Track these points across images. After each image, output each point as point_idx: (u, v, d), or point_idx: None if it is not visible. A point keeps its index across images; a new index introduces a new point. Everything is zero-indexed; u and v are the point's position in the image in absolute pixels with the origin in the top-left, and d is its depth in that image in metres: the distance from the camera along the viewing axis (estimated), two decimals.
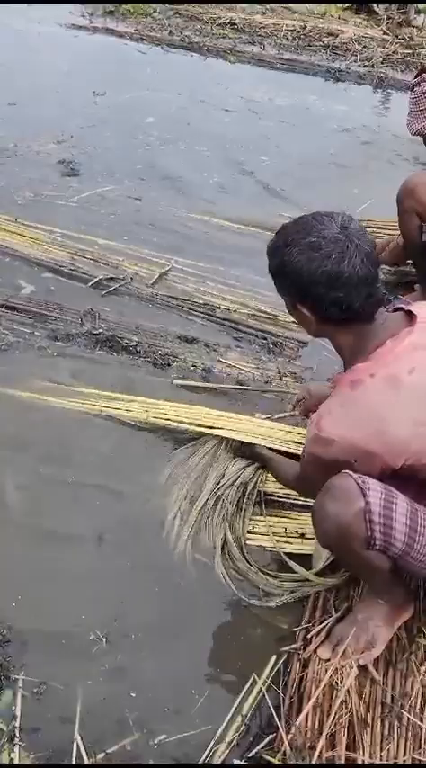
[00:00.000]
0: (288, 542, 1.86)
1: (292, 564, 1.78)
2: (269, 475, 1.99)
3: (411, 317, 1.43)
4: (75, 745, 1.38)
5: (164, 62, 6.24)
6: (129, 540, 1.83)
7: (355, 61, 6.93)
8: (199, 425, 2.07)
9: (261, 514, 1.93)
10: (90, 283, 2.75)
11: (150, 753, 1.40)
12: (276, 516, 1.93)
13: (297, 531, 1.88)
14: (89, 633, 1.60)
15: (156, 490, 1.96)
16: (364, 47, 7.41)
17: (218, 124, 4.74)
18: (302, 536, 1.87)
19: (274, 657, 1.57)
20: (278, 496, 1.97)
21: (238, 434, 2.03)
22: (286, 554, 1.82)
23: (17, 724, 1.41)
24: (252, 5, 8.58)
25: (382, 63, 6.98)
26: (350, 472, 1.36)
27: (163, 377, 2.34)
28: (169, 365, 2.37)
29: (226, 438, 2.05)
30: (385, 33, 8.09)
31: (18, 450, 2.04)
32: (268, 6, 8.73)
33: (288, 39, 7.42)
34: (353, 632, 1.56)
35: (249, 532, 1.89)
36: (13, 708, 1.43)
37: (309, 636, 1.61)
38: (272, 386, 2.36)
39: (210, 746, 1.41)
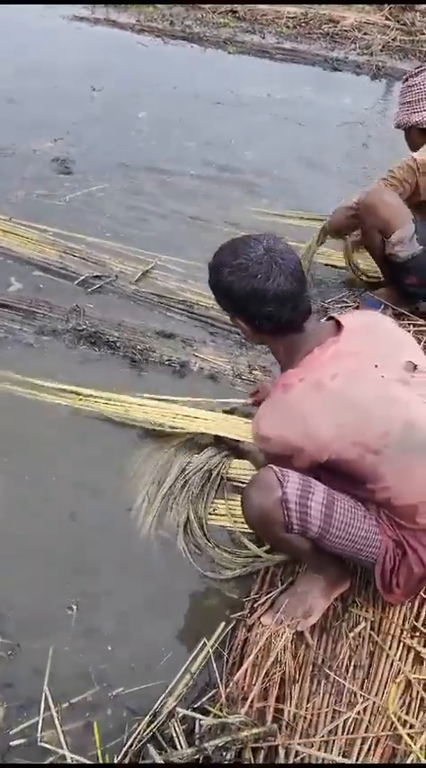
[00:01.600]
0: (244, 523, 2.05)
1: (246, 542, 1.98)
2: (232, 462, 2.19)
3: (339, 326, 1.61)
4: (43, 696, 1.60)
5: (163, 54, 6.34)
6: (99, 518, 2.04)
7: (354, 50, 6.99)
8: (174, 426, 2.27)
9: (222, 498, 2.13)
10: (77, 281, 2.94)
11: (108, 702, 1.62)
12: (236, 500, 2.13)
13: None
14: (60, 601, 1.81)
15: (127, 475, 2.16)
16: (364, 34, 7.45)
17: (210, 119, 4.87)
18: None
19: (223, 624, 1.78)
20: (239, 481, 2.16)
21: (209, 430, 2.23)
22: (242, 533, 2.02)
23: None
24: None
25: (381, 51, 7.04)
26: (273, 466, 1.55)
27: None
28: (146, 360, 2.56)
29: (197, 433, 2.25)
30: (387, 19, 8.11)
31: None
32: None
33: (288, 27, 7.47)
34: (293, 602, 1.76)
35: (210, 514, 2.09)
36: None
37: (255, 605, 1.82)
38: (242, 379, 2.55)
39: (161, 699, 1.62)
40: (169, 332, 2.74)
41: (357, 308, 2.98)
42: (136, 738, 1.53)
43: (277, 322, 1.53)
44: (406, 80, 2.75)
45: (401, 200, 2.63)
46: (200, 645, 1.73)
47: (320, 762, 1.47)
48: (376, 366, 1.54)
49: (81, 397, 2.38)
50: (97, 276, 2.99)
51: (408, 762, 1.47)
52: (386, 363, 1.55)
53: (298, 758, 1.47)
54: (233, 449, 2.21)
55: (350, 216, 2.76)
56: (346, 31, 7.42)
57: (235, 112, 5.06)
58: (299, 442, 1.52)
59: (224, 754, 1.41)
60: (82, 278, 2.96)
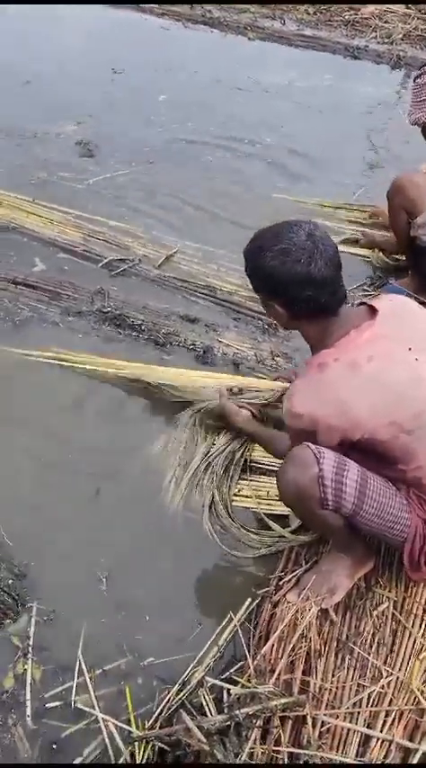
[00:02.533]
0: (269, 504, 2.11)
1: (270, 523, 2.02)
2: (255, 444, 2.23)
3: (373, 311, 1.64)
4: (77, 662, 1.66)
5: (184, 39, 6.32)
6: (130, 497, 2.09)
7: (375, 38, 6.95)
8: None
9: (246, 479, 2.17)
10: (101, 264, 2.98)
11: (139, 672, 1.68)
12: (260, 481, 2.18)
13: (277, 495, 2.12)
14: (94, 573, 1.87)
15: (154, 452, 2.21)
16: (385, 22, 7.40)
17: (231, 104, 4.87)
18: (281, 499, 2.11)
19: (249, 600, 1.83)
20: (262, 464, 2.21)
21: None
22: (266, 514, 2.07)
23: (30, 643, 1.70)
24: None
25: (402, 40, 7.00)
26: (309, 444, 1.59)
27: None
28: (170, 344, 2.60)
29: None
30: (408, 7, 8.05)
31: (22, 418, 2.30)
32: None
33: (309, 13, 7.42)
34: (318, 580, 1.81)
35: (235, 495, 2.14)
36: (28, 629, 1.72)
37: (281, 583, 1.87)
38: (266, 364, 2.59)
39: (190, 668, 1.68)
40: (193, 316, 2.78)
41: (377, 297, 3.00)
42: (166, 705, 1.59)
43: (316, 306, 1.56)
44: (415, 79, 2.78)
45: None
46: (227, 619, 1.78)
47: (345, 733, 1.52)
48: (409, 349, 1.57)
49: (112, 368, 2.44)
50: (121, 259, 3.02)
51: None
52: (418, 346, 1.59)
53: (325, 728, 1.53)
54: (240, 429, 2.20)
55: None
56: (366, 18, 7.36)
57: (255, 98, 5.06)
58: (333, 420, 1.56)
59: (253, 721, 1.46)
60: (106, 260, 3.00)
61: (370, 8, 7.67)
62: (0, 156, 3.76)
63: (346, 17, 7.38)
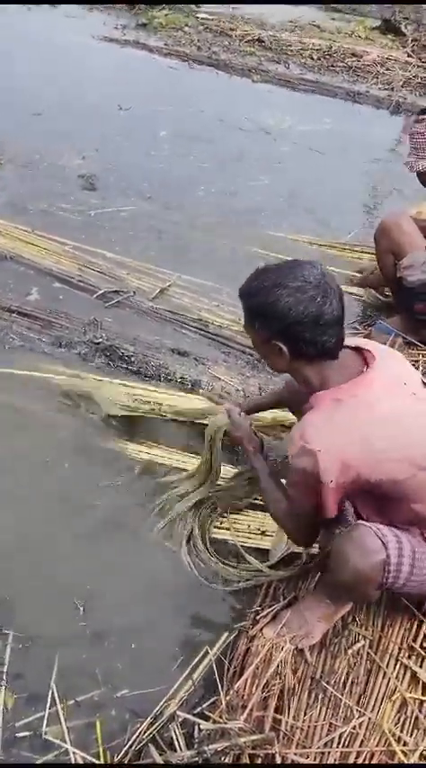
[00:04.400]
0: (249, 537, 2.12)
1: (249, 558, 2.03)
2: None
3: (360, 352, 1.63)
4: (50, 691, 1.66)
5: (190, 79, 6.50)
6: (109, 527, 2.10)
7: (375, 84, 7.15)
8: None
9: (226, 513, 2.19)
10: (95, 295, 3.03)
11: (112, 703, 1.67)
12: (242, 515, 2.19)
13: (258, 529, 2.14)
14: (71, 603, 1.87)
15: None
16: (386, 69, 7.62)
17: (231, 144, 5.00)
18: (263, 533, 2.13)
19: (226, 633, 1.83)
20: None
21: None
22: (248, 547, 2.07)
23: (5, 669, 1.70)
24: (281, 23, 8.85)
25: (402, 87, 7.20)
26: (368, 524, 1.55)
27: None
28: (159, 377, 2.63)
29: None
30: (409, 56, 8.30)
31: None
32: (297, 24, 8.99)
33: (313, 58, 7.65)
34: (296, 620, 1.81)
35: (215, 527, 2.15)
36: (3, 656, 1.71)
37: (258, 617, 1.87)
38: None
39: (162, 702, 1.67)
40: (183, 350, 2.82)
41: (368, 335, 3.05)
42: (136, 739, 1.58)
43: (322, 348, 1.51)
44: (412, 126, 2.87)
45: (417, 228, 2.73)
46: (203, 652, 1.78)
47: None
48: (405, 384, 1.57)
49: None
50: (115, 291, 3.07)
51: None
52: (410, 382, 1.59)
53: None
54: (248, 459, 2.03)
55: None
56: (368, 65, 7.59)
57: (255, 139, 5.19)
58: (353, 456, 1.47)
59: (222, 758, 1.46)
60: (100, 292, 3.05)
61: (372, 55, 7.91)
62: (4, 186, 3.85)
63: (348, 63, 7.61)
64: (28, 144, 4.38)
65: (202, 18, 8.55)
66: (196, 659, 1.77)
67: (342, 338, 1.55)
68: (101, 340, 2.76)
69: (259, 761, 1.51)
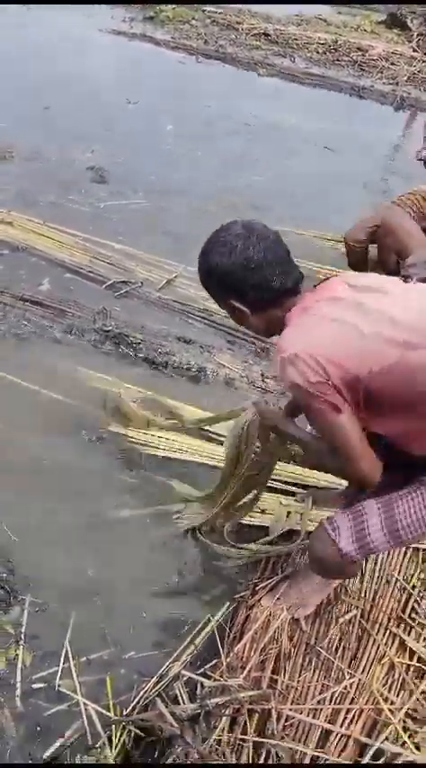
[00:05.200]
0: (251, 516, 2.24)
1: (250, 545, 2.16)
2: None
3: None
4: (64, 650, 1.79)
5: (197, 73, 6.59)
6: (123, 506, 2.23)
7: (380, 79, 7.22)
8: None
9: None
10: (105, 285, 3.15)
11: (121, 663, 1.80)
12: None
13: (259, 507, 2.26)
14: (85, 572, 2.00)
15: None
16: (391, 64, 7.69)
17: (237, 138, 5.10)
18: (263, 511, 2.25)
19: (227, 602, 1.96)
20: None
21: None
22: (250, 525, 2.20)
23: (23, 630, 1.82)
24: (288, 16, 8.91)
25: (407, 82, 7.27)
26: (324, 520, 1.63)
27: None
28: (166, 363, 2.75)
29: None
30: (414, 50, 8.35)
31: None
32: (303, 18, 9.05)
33: (318, 52, 7.72)
34: (292, 591, 1.94)
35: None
36: (20, 619, 1.85)
37: (257, 588, 2.00)
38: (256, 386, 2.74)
39: (168, 663, 1.80)
40: (189, 338, 2.93)
41: None
42: (143, 695, 1.71)
43: (268, 290, 1.52)
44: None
45: (419, 227, 2.82)
46: (205, 620, 1.91)
47: (308, 727, 1.65)
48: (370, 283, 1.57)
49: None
50: (124, 281, 3.19)
51: (386, 733, 1.64)
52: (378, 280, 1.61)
53: (289, 722, 1.65)
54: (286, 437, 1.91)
55: (369, 232, 2.94)
56: (373, 60, 7.66)
57: (261, 133, 5.28)
58: (333, 352, 1.42)
59: (222, 710, 1.59)
60: (110, 282, 3.17)
61: (378, 50, 7.98)
62: (16, 179, 3.96)
63: (354, 57, 7.69)
64: (38, 137, 4.49)
65: (209, 11, 8.62)
66: (199, 626, 1.90)
67: (295, 277, 1.55)
68: (110, 328, 2.87)
69: (256, 716, 1.64)
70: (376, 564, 2.09)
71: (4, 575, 1.95)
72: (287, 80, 6.75)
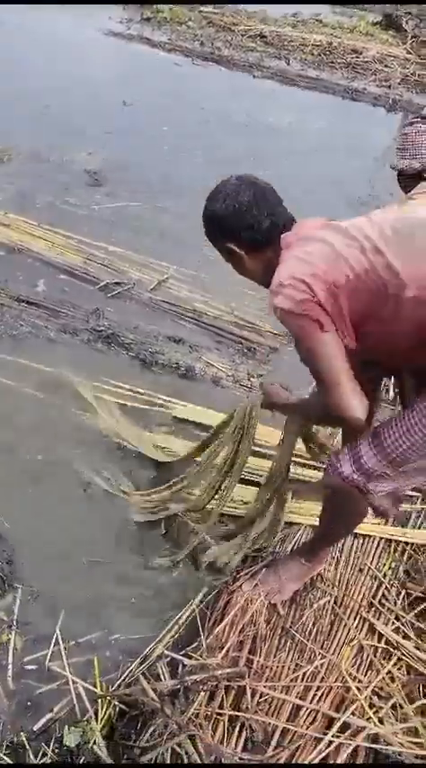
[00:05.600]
0: (236, 508, 2.36)
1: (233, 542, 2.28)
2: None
3: None
4: (55, 635, 1.91)
5: (193, 75, 6.69)
6: (103, 500, 2.35)
7: (373, 81, 7.32)
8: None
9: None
10: (98, 286, 3.26)
11: (108, 645, 1.93)
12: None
13: (242, 499, 2.38)
14: (75, 561, 2.12)
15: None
16: (385, 66, 7.79)
17: (231, 140, 5.21)
18: (245, 503, 2.37)
19: (208, 589, 2.08)
20: None
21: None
22: (232, 515, 2.32)
23: (15, 617, 1.94)
24: (284, 17, 9.00)
25: (399, 84, 7.37)
26: (331, 456, 1.75)
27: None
28: (156, 362, 2.87)
29: None
30: (408, 52, 8.45)
31: None
32: (299, 18, 9.14)
33: (313, 54, 7.82)
34: (271, 578, 2.06)
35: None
36: (13, 606, 1.97)
37: (238, 576, 2.12)
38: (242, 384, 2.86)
39: (152, 645, 1.92)
40: (179, 337, 3.05)
41: None
42: (128, 674, 1.83)
43: (259, 231, 1.64)
44: (405, 127, 3.05)
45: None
46: (189, 604, 2.03)
47: (281, 702, 1.77)
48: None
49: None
50: (117, 282, 3.31)
51: (352, 708, 1.77)
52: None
53: (263, 698, 1.77)
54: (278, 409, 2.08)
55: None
56: (367, 62, 7.76)
57: (255, 135, 5.39)
58: (315, 267, 1.52)
59: (200, 686, 1.71)
60: (103, 283, 3.29)
61: (372, 52, 8.08)
62: (13, 180, 4.08)
63: (348, 59, 7.79)
64: (35, 138, 4.60)
65: (206, 12, 8.71)
66: (182, 610, 2.02)
67: (286, 218, 1.67)
68: (103, 328, 2.99)
69: (233, 692, 1.76)
70: (350, 554, 2.21)
71: None
72: (281, 82, 6.86)
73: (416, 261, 1.49)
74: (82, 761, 1.63)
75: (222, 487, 2.16)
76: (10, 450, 2.43)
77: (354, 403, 1.57)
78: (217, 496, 2.19)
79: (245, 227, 1.64)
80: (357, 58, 7.84)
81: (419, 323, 1.52)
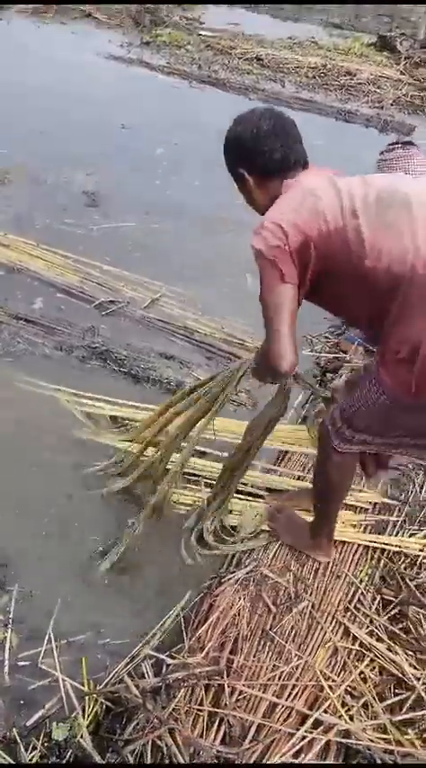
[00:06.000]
0: (223, 517, 2.48)
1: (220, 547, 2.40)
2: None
3: None
4: (47, 633, 2.02)
5: (191, 97, 6.88)
6: (95, 504, 2.46)
7: (366, 103, 7.50)
8: None
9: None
10: (93, 304, 3.40)
11: (97, 646, 2.04)
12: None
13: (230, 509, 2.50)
14: (67, 565, 2.23)
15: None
16: (378, 87, 7.97)
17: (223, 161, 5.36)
18: (230, 511, 2.48)
19: (192, 593, 2.20)
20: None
21: None
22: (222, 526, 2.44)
23: (11, 616, 2.06)
24: (281, 39, 9.21)
25: (391, 105, 7.55)
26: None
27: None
28: (147, 378, 3.00)
29: None
30: (401, 73, 8.65)
31: None
32: (296, 41, 9.36)
33: (308, 76, 8.01)
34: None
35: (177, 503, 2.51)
36: (8, 606, 2.08)
37: (222, 581, 2.23)
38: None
39: (138, 647, 2.03)
40: (170, 354, 3.18)
41: (337, 344, 3.42)
42: (115, 674, 1.94)
43: (271, 160, 1.74)
44: (381, 153, 3.15)
45: None
46: (174, 609, 2.14)
47: (258, 700, 1.87)
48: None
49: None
50: (111, 301, 3.45)
51: (325, 706, 1.87)
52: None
53: (241, 696, 1.88)
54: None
55: None
56: (361, 84, 7.95)
57: None
58: (295, 217, 1.64)
59: (181, 684, 1.82)
60: (98, 301, 3.42)
61: (365, 74, 8.27)
62: (12, 202, 4.23)
63: (342, 81, 7.97)
64: (35, 161, 4.77)
65: (204, 36, 8.94)
66: (168, 614, 2.13)
67: (295, 151, 1.76)
68: (97, 345, 3.12)
69: (212, 690, 1.87)
70: (330, 561, 2.32)
71: None
72: (276, 104, 7.02)
73: (381, 233, 1.60)
74: (69, 754, 1.73)
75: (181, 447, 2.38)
76: (6, 460, 2.56)
77: (284, 351, 1.69)
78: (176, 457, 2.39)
79: (259, 152, 1.75)
80: (350, 79, 8.02)
81: (370, 293, 1.65)
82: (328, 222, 1.62)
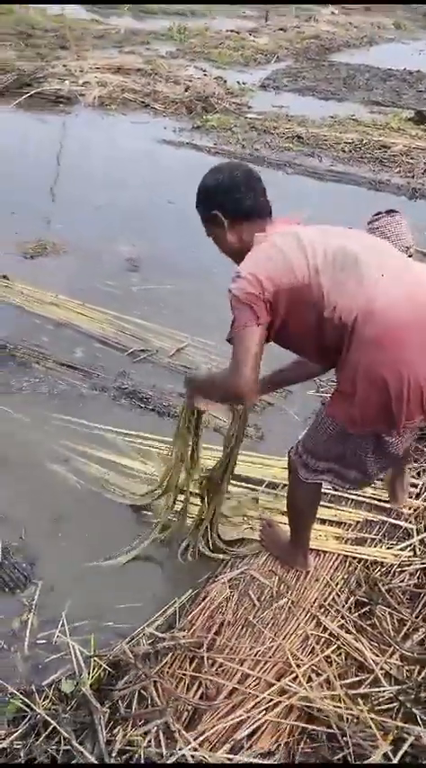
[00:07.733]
0: (212, 522, 2.84)
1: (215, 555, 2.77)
2: None
3: None
4: (62, 618, 2.43)
5: None
6: (118, 511, 2.89)
7: (398, 173, 8.01)
8: None
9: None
10: (126, 353, 3.93)
11: (104, 629, 2.42)
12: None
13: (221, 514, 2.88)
14: (83, 565, 2.66)
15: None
16: (411, 158, 8.49)
17: None
18: (226, 517, 2.86)
19: (190, 589, 2.57)
20: None
21: None
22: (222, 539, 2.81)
23: (34, 602, 2.49)
24: (323, 118, 9.91)
25: (423, 174, 8.03)
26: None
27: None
28: (168, 414, 3.46)
29: None
30: None
31: None
32: (337, 119, 10.06)
33: (344, 151, 8.62)
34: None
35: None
36: (34, 595, 2.51)
37: (217, 578, 2.59)
38: None
39: (138, 630, 2.41)
40: None
41: None
42: (118, 648, 2.32)
43: (241, 206, 2.04)
44: (369, 223, 3.53)
45: None
46: (172, 601, 2.52)
47: (233, 669, 2.21)
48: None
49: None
50: (142, 350, 3.97)
51: (289, 678, 2.18)
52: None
53: (220, 668, 2.22)
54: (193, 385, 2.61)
55: None
56: (394, 155, 8.50)
57: None
58: (268, 269, 1.94)
59: (169, 652, 2.19)
60: (130, 350, 3.95)
61: (399, 146, 8.81)
62: (65, 269, 4.89)
63: (376, 154, 8.54)
64: (88, 234, 5.46)
65: (250, 118, 9.77)
66: (167, 605, 2.51)
67: (267, 205, 2.10)
68: (127, 386, 3.62)
69: (196, 662, 2.22)
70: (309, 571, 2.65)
71: (24, 564, 2.64)
72: (311, 177, 7.62)
73: (334, 290, 1.94)
74: (73, 702, 2.11)
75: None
76: (39, 478, 3.04)
77: (249, 382, 1.96)
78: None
79: (231, 199, 2.04)
80: (384, 152, 8.57)
81: (325, 337, 2.01)
82: (297, 277, 1.93)
